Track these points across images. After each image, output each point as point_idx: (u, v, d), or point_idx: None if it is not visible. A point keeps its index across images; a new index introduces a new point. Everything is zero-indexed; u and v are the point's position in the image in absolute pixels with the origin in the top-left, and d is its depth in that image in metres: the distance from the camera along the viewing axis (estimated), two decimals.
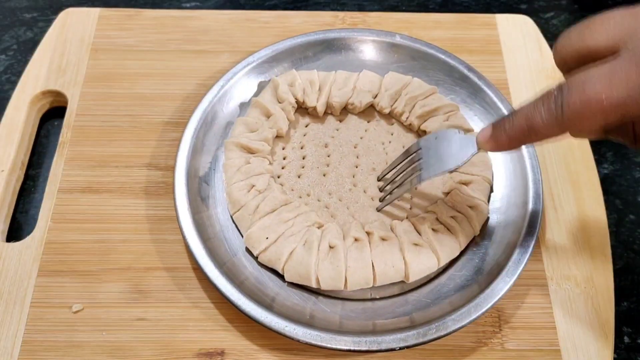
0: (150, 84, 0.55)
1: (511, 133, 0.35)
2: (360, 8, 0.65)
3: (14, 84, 0.55)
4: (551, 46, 0.58)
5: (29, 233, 0.47)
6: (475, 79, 0.52)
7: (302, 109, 0.52)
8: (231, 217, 0.46)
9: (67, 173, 0.49)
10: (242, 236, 0.45)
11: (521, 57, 0.57)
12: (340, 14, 0.60)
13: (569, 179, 0.50)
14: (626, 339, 0.45)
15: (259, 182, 0.46)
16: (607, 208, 0.49)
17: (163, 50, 0.57)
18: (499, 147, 0.37)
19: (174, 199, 0.45)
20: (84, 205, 0.48)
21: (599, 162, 0.53)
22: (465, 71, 0.52)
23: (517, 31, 0.59)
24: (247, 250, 0.45)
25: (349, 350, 0.40)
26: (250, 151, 0.48)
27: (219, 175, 0.49)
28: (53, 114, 0.56)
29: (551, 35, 0.62)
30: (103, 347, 0.42)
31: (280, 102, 0.51)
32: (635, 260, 0.49)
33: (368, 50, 0.55)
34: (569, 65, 0.36)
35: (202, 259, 0.43)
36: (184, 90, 0.54)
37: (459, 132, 0.41)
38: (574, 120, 0.32)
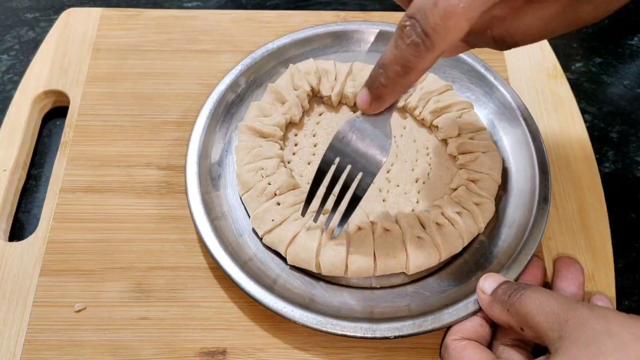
0: (151, 84, 0.55)
1: (389, 84, 0.34)
2: (362, 7, 0.65)
3: (16, 83, 0.55)
4: (552, 45, 0.58)
5: (31, 232, 0.47)
6: (492, 78, 0.52)
7: (317, 97, 0.53)
8: (240, 198, 0.47)
9: (69, 173, 0.50)
10: (250, 217, 0.46)
11: (522, 56, 0.57)
12: (342, 13, 0.60)
13: (570, 177, 0.50)
14: None
15: (269, 166, 0.47)
16: (608, 207, 0.49)
17: (165, 50, 0.57)
18: (383, 103, 0.35)
19: (185, 176, 0.46)
20: (86, 204, 0.48)
21: (600, 161, 0.53)
22: (482, 70, 0.52)
23: None
24: (253, 231, 0.45)
25: (344, 336, 0.40)
26: (263, 135, 0.49)
27: (230, 157, 0.49)
28: (55, 113, 0.56)
29: None
30: (105, 346, 0.42)
31: (295, 90, 0.51)
32: (636, 259, 0.49)
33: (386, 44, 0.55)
34: None
35: (209, 238, 0.43)
36: (185, 89, 0.54)
37: (357, 118, 0.38)
38: (442, 38, 0.31)
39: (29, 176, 0.52)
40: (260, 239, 0.45)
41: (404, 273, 0.44)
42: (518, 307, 0.36)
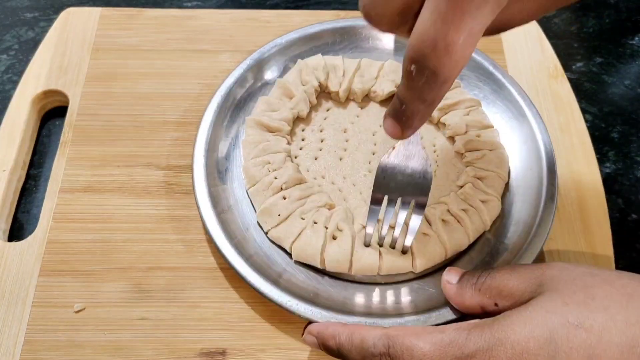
0: (151, 84, 0.55)
1: (416, 115, 0.34)
2: None
3: (15, 83, 0.55)
4: (553, 45, 0.58)
5: (30, 233, 0.47)
6: (500, 76, 0.52)
7: (325, 93, 0.53)
8: (246, 191, 0.47)
9: (68, 173, 0.49)
10: (255, 211, 0.46)
11: (523, 56, 0.57)
12: (342, 12, 0.60)
13: (570, 178, 0.50)
14: None
15: (275, 160, 0.47)
16: (609, 207, 0.49)
17: (164, 50, 0.57)
18: (414, 129, 0.36)
19: (192, 169, 0.46)
20: (86, 204, 0.48)
21: (601, 161, 0.53)
22: (491, 68, 0.52)
23: (519, 30, 0.58)
24: (259, 224, 0.46)
25: None
26: (270, 130, 0.49)
27: (238, 152, 0.49)
28: (54, 113, 0.56)
29: (553, 34, 0.62)
30: (105, 346, 0.42)
31: (303, 85, 0.51)
32: (637, 259, 0.49)
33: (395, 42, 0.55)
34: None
35: (215, 231, 0.43)
36: (185, 89, 0.54)
37: (389, 156, 0.40)
38: (452, 70, 0.30)
39: (28, 176, 0.52)
40: (266, 234, 0.45)
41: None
42: (490, 282, 0.36)
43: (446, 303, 0.41)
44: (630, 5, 0.65)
